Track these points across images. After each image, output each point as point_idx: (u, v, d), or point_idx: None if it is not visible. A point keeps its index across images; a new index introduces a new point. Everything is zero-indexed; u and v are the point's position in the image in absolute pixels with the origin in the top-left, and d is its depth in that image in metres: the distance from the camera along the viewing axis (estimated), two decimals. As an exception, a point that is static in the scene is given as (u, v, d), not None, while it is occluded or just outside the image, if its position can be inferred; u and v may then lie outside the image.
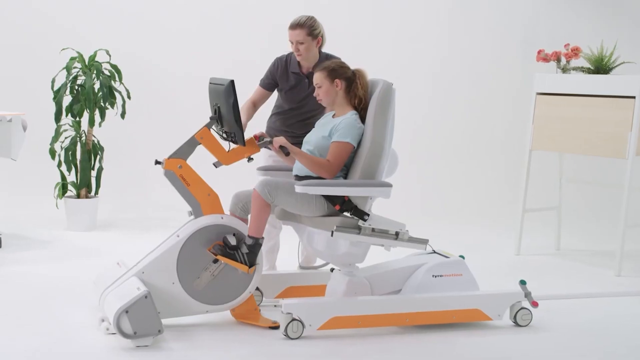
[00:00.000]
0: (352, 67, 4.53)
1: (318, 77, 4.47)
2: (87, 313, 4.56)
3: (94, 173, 6.95)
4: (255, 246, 4.34)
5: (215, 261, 4.35)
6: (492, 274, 5.56)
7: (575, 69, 6.19)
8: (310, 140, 4.49)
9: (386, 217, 4.41)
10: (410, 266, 4.59)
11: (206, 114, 4.66)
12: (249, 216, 4.40)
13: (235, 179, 5.83)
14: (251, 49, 7.96)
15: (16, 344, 4.09)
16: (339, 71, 4.46)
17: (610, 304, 5.11)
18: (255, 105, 5.10)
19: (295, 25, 4.95)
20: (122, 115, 6.98)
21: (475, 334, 4.45)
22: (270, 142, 4.47)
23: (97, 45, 7.09)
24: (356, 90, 4.45)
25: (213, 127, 4.49)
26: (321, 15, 5.16)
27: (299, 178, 4.44)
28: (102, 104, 6.84)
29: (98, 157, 6.96)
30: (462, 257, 4.72)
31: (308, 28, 4.94)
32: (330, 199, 4.32)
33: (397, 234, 4.38)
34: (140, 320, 4.02)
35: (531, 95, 6.35)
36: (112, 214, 7.38)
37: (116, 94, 6.92)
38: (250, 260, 4.33)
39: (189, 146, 4.41)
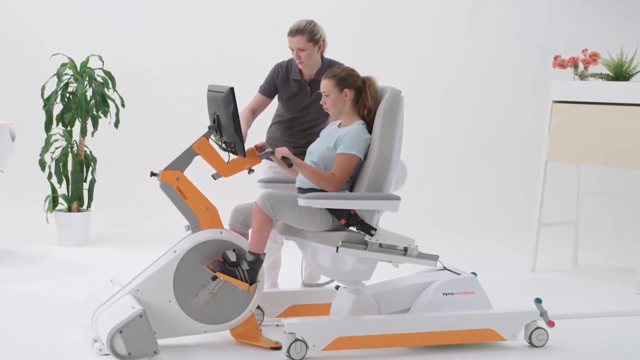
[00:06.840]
0: (362, 74, 4.52)
1: (326, 85, 4.47)
2: (79, 333, 4.56)
3: (86, 185, 6.95)
4: (256, 262, 4.34)
5: (214, 278, 4.35)
6: (505, 292, 5.56)
7: (593, 75, 6.20)
8: (314, 151, 4.50)
9: (394, 232, 4.41)
10: (419, 283, 4.59)
11: (204, 123, 4.67)
12: (250, 231, 4.41)
13: (235, 192, 5.84)
14: (251, 56, 7.98)
15: (4, 365, 4.11)
16: (348, 80, 4.45)
17: (630, 323, 5.11)
18: (254, 113, 5.09)
19: (295, 32, 4.93)
20: (116, 124, 6.99)
21: (488, 355, 4.44)
22: (272, 153, 4.47)
23: (90, 51, 7.10)
24: (365, 101, 4.45)
25: (212, 137, 4.50)
26: (330, 21, 5.15)
27: (302, 191, 4.45)
28: (94, 112, 6.85)
29: (90, 168, 6.97)
30: (475, 273, 4.72)
31: (308, 33, 4.92)
32: (335, 212, 4.33)
33: (405, 249, 4.39)
34: (134, 341, 4.03)
35: (547, 104, 6.36)
36: (105, 228, 7.39)
37: (109, 102, 6.93)
38: (251, 277, 4.34)
39: (187, 157, 4.42)
